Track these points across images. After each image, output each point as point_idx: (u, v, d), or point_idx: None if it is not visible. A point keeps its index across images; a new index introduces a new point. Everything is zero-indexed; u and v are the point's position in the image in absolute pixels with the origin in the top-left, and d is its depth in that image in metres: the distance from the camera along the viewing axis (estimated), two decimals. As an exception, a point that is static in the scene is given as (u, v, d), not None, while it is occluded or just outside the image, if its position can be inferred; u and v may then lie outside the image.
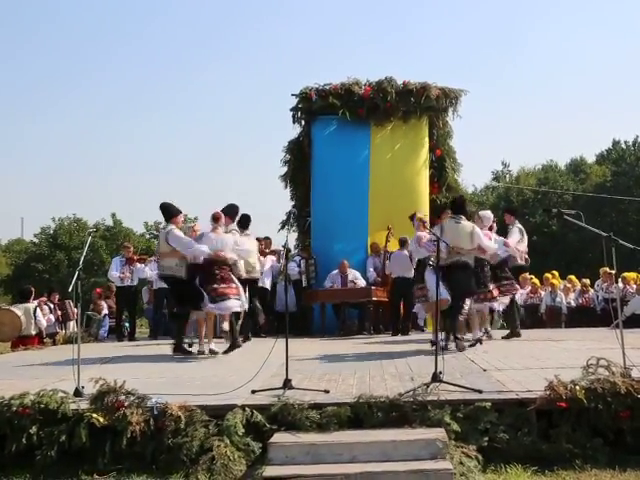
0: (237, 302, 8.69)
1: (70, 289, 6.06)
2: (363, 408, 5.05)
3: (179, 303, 9.00)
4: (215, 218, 8.91)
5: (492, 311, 10.84)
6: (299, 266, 12.39)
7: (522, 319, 10.67)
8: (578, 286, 14.88)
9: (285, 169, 14.25)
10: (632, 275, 13.63)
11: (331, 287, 12.04)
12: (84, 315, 13.95)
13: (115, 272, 12.56)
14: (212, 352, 8.68)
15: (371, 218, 12.74)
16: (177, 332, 9.05)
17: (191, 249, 8.57)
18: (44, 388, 5.41)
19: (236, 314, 9.01)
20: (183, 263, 8.69)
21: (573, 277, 15.31)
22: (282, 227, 14.41)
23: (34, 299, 12.31)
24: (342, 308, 11.96)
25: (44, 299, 13.11)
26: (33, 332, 11.77)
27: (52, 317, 12.90)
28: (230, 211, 9.54)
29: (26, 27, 68.24)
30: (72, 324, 13.48)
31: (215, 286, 8.55)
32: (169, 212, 8.98)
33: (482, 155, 62.05)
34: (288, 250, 7.06)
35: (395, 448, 4.65)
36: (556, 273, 15.20)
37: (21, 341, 11.58)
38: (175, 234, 8.65)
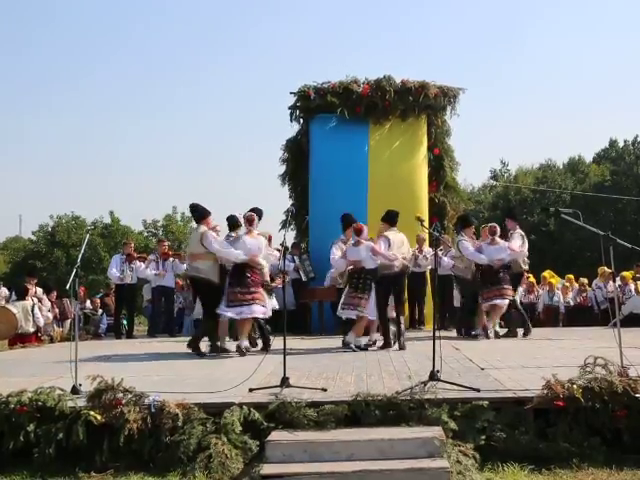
0: (260, 308, 8.60)
1: (68, 286, 6.08)
2: (360, 406, 5.05)
3: (210, 306, 8.75)
4: (249, 221, 8.78)
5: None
6: (293, 261, 12.40)
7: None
8: (576, 285, 14.89)
9: (284, 168, 14.27)
10: (628, 274, 13.66)
11: (330, 285, 12.03)
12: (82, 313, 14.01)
13: (115, 271, 12.57)
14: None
15: (369, 216, 12.69)
16: (212, 333, 8.92)
17: (227, 253, 8.56)
18: (42, 386, 5.41)
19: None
20: (216, 266, 8.69)
21: (572, 276, 15.32)
22: (283, 227, 14.40)
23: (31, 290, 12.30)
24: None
25: (39, 292, 12.99)
26: (31, 329, 11.78)
27: (50, 315, 12.90)
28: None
29: (23, 24, 68.14)
30: (69, 322, 13.47)
31: (237, 289, 8.49)
32: (199, 213, 8.90)
33: (480, 154, 62.13)
34: (286, 249, 7.05)
35: (392, 446, 4.65)
36: (551, 273, 15.23)
37: (19, 339, 11.60)
38: (209, 237, 8.58)
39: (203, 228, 8.74)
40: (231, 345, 8.90)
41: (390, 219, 9.24)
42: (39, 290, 12.88)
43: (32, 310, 11.82)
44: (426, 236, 12.17)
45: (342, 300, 9.10)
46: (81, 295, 14.54)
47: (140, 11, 71.83)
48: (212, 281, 8.63)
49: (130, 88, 69.69)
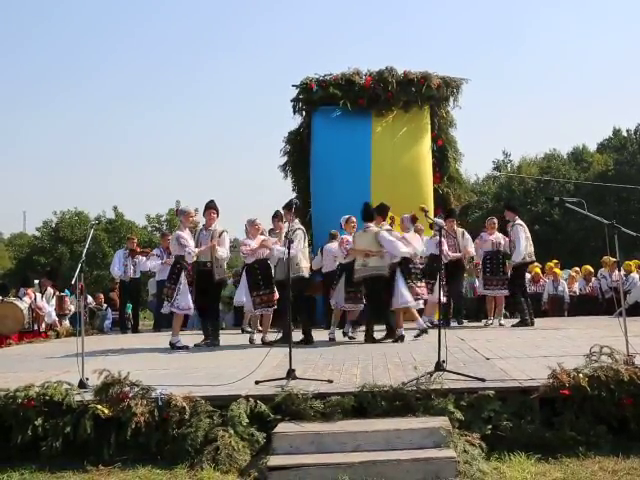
0: None
1: (73, 282, 6.10)
2: (367, 397, 5.06)
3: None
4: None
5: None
6: None
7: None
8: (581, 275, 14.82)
9: (285, 160, 14.25)
10: (631, 263, 13.59)
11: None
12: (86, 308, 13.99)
13: (117, 269, 12.60)
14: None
15: (373, 209, 12.72)
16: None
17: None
18: (49, 380, 5.43)
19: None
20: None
21: (589, 267, 15.12)
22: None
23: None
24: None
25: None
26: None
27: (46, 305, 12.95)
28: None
29: (26, 21, 68.11)
30: (67, 319, 13.38)
31: None
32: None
33: (484, 145, 61.96)
34: (291, 241, 7.05)
35: (399, 437, 4.66)
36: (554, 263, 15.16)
37: (24, 334, 11.67)
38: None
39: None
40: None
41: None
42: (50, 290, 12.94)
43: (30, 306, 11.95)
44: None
45: None
46: (78, 293, 14.29)
47: (141, 7, 71.80)
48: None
49: (132, 84, 69.83)
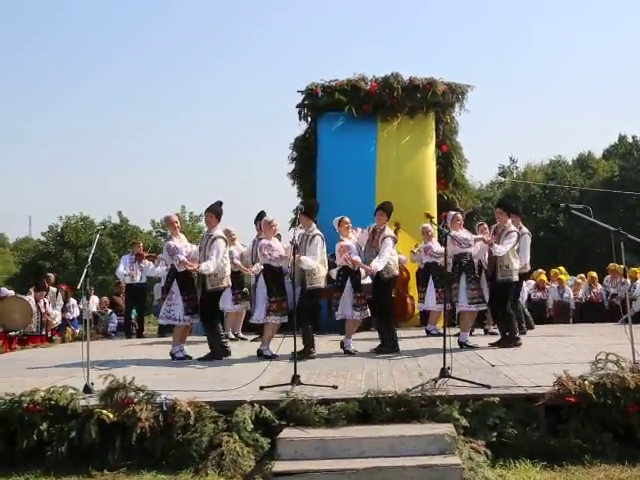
0: None
1: (79, 286, 6.12)
2: (371, 403, 5.06)
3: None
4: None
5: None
6: None
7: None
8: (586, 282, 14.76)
9: (292, 166, 14.26)
10: (637, 270, 13.54)
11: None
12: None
13: (122, 270, 12.59)
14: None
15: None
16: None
17: None
18: (54, 385, 5.44)
19: None
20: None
21: (592, 273, 15.03)
22: (292, 225, 14.35)
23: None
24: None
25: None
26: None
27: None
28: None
29: (27, 23, 68.48)
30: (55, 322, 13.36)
31: None
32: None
33: (489, 151, 61.88)
34: (296, 247, 7.06)
35: (403, 443, 4.66)
36: (562, 269, 15.10)
37: (30, 339, 11.72)
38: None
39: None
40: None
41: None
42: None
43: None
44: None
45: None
46: (63, 295, 14.06)
47: (145, 9, 72.02)
48: None
49: (136, 87, 69.96)
